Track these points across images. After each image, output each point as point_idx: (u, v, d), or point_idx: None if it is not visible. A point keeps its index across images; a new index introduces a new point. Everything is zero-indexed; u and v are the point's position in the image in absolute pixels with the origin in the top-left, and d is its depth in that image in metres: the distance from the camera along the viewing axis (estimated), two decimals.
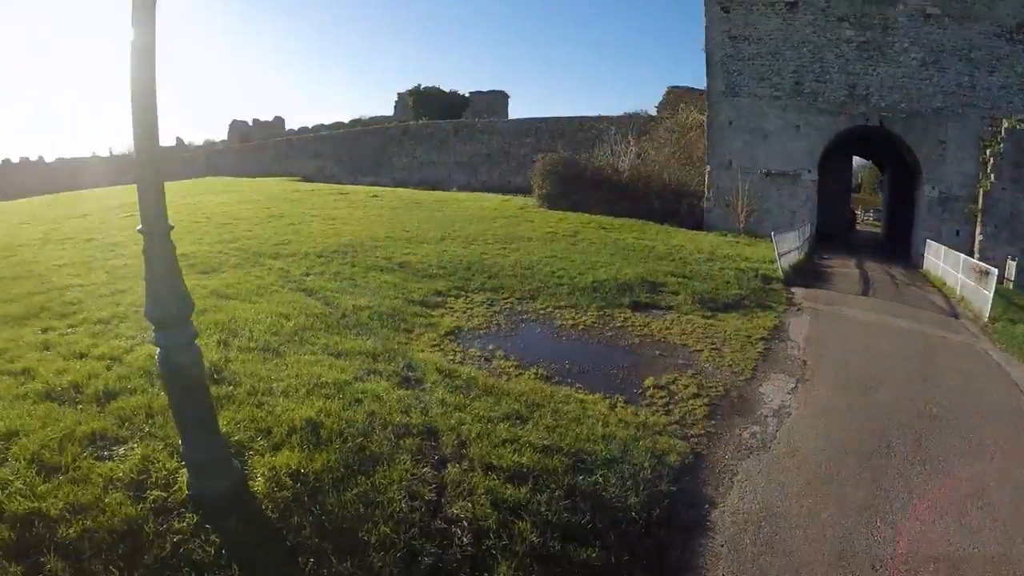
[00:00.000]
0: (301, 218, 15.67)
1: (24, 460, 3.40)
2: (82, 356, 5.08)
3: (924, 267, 17.85)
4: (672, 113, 26.96)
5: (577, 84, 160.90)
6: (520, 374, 6.09)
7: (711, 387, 6.13)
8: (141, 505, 3.19)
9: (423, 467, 3.96)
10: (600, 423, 4.97)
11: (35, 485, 3.22)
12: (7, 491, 3.15)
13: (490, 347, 6.87)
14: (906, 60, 18.04)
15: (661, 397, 5.82)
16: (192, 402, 3.27)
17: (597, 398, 5.60)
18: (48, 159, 45.88)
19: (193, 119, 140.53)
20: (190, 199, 20.64)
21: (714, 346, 7.51)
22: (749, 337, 7.97)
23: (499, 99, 48.28)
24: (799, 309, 10.12)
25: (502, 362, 6.42)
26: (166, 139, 65.83)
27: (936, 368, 7.96)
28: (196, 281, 7.95)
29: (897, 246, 22.71)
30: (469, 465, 4.06)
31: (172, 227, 3.14)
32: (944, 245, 16.57)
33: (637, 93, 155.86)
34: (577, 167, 22.24)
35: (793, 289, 11.62)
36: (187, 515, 3.11)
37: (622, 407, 5.48)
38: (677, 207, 20.30)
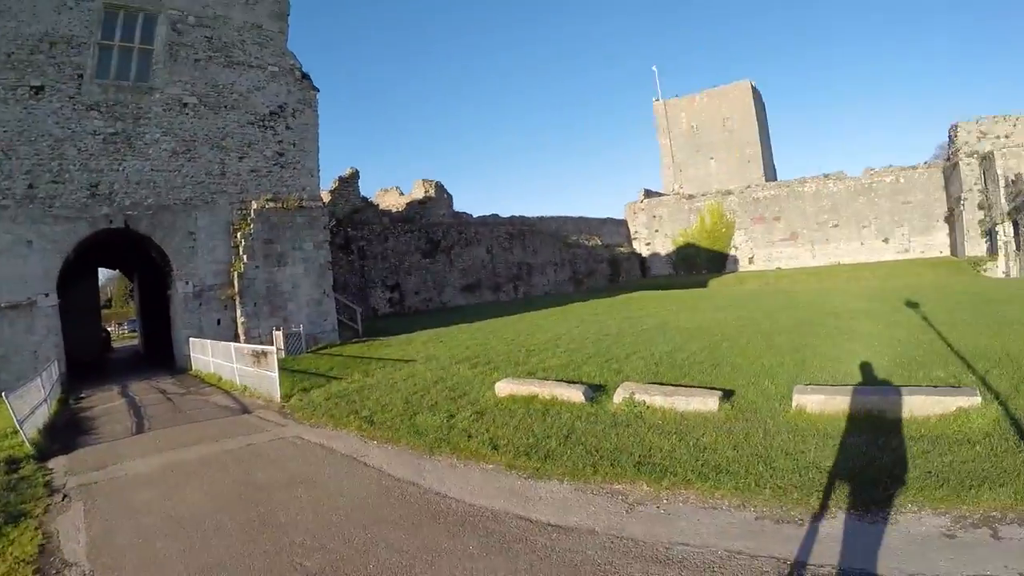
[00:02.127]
0: None
1: None
2: None
3: (194, 368, 15.86)
4: None
5: None
6: None
7: None
8: None
9: None
10: None
11: None
12: None
13: None
14: (156, 152, 16.15)
15: None
16: None
17: None
18: None
19: None
20: None
21: None
22: None
23: None
24: (66, 496, 6.26)
25: None
26: None
27: (266, 495, 5.53)
28: None
29: (159, 354, 20.39)
30: None
31: None
32: (208, 339, 15.18)
33: None
34: None
35: (51, 464, 7.53)
36: None
37: None
38: None
